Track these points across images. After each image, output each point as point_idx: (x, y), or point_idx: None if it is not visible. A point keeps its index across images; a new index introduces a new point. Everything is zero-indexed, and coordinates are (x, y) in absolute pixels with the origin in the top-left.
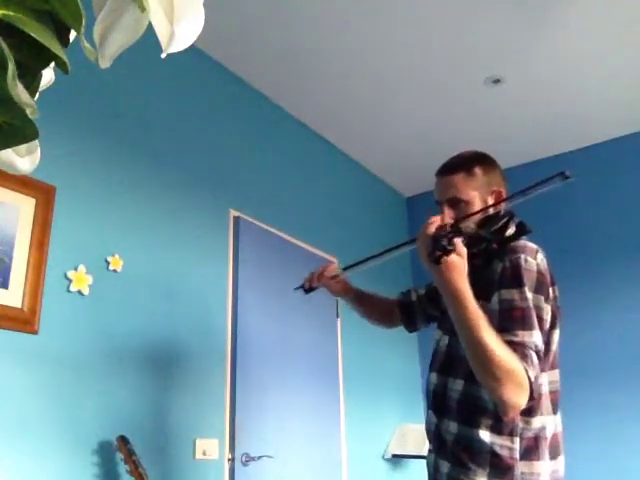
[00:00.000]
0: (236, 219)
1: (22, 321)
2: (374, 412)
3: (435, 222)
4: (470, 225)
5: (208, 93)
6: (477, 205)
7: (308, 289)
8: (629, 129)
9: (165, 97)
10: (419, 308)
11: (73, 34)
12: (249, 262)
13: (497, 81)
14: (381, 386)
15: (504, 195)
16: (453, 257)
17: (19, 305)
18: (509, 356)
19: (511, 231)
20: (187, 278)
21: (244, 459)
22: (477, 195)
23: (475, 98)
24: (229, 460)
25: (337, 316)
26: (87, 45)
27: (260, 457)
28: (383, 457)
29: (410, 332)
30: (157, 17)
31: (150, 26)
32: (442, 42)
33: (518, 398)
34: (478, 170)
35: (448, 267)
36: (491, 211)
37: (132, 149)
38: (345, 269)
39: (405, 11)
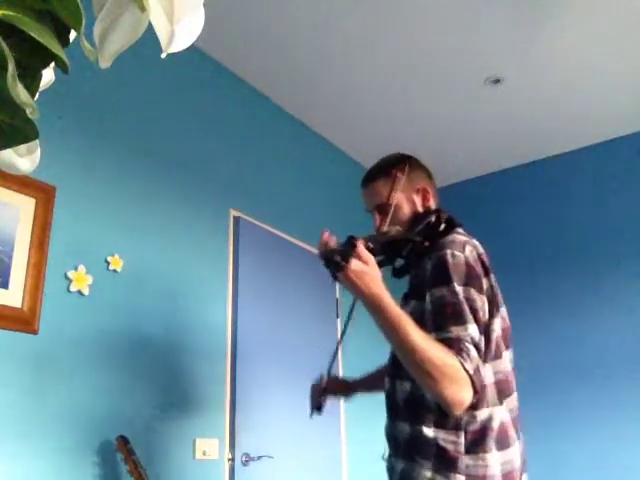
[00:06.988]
0: (236, 219)
1: (22, 321)
2: (374, 412)
3: (320, 243)
4: (393, 229)
5: (208, 93)
6: (405, 206)
7: (319, 407)
8: (629, 129)
9: (165, 97)
10: None
11: (73, 34)
12: (249, 262)
13: (497, 81)
14: None
15: (431, 193)
16: (355, 265)
17: (19, 305)
18: (441, 353)
19: (442, 227)
20: (187, 278)
21: (244, 459)
22: (403, 196)
23: (475, 98)
24: (229, 460)
25: (337, 316)
26: (87, 45)
27: (260, 457)
28: (383, 457)
29: None
30: (157, 17)
31: (150, 26)
32: (442, 42)
33: (459, 394)
34: (397, 172)
35: (355, 276)
36: (420, 210)
37: (132, 149)
38: (329, 373)
39: (405, 11)
